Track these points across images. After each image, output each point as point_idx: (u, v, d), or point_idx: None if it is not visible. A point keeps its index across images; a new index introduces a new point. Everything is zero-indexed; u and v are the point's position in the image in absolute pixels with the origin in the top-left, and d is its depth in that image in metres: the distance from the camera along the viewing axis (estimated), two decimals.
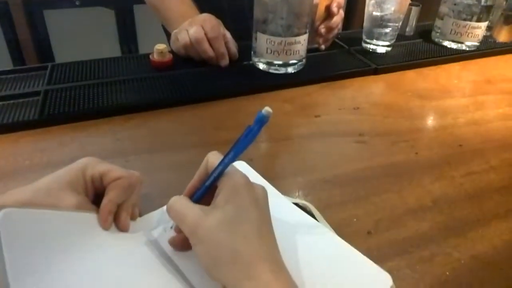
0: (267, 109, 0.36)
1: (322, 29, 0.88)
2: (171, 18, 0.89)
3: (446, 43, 0.99)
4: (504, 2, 1.02)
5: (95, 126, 0.64)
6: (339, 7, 0.88)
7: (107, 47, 2.04)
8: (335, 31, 0.92)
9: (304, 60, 0.83)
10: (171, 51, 0.84)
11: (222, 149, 0.40)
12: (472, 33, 0.95)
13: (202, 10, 0.88)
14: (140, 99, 0.69)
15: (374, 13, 0.90)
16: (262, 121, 0.36)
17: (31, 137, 0.61)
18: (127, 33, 2.04)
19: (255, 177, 0.52)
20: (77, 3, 1.84)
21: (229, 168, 0.38)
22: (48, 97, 0.68)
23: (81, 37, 1.95)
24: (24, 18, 1.80)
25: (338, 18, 0.89)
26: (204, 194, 0.39)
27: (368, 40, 0.94)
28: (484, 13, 0.93)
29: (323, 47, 0.92)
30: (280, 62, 0.79)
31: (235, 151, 0.37)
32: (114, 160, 0.56)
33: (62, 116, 0.64)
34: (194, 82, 0.76)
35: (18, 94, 0.68)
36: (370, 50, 0.94)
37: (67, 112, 0.65)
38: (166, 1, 0.91)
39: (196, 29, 0.78)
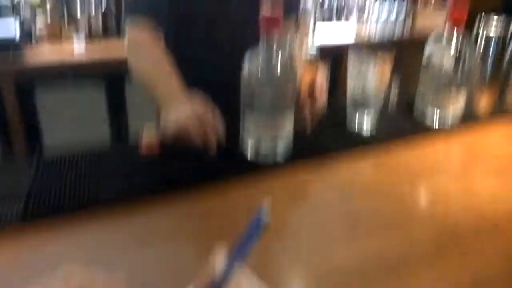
0: (263, 219, 0.35)
1: (308, 115, 0.91)
2: (160, 99, 0.89)
3: (429, 115, 0.98)
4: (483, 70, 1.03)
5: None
6: (321, 92, 0.91)
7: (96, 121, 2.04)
8: (320, 113, 0.94)
9: (291, 142, 0.82)
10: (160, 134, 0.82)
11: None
12: (453, 102, 0.95)
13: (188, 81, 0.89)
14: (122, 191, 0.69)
15: (355, 94, 0.92)
16: (259, 228, 0.36)
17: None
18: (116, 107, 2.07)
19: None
20: None
21: (235, 277, 0.36)
22: None
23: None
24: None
25: (320, 102, 0.92)
26: None
27: (352, 120, 0.95)
28: (464, 81, 0.93)
29: (309, 128, 0.93)
30: (268, 144, 0.79)
31: (237, 259, 0.36)
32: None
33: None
34: (181, 169, 0.75)
35: None
36: (356, 130, 0.95)
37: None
38: (153, 79, 0.92)
39: (184, 118, 0.78)
